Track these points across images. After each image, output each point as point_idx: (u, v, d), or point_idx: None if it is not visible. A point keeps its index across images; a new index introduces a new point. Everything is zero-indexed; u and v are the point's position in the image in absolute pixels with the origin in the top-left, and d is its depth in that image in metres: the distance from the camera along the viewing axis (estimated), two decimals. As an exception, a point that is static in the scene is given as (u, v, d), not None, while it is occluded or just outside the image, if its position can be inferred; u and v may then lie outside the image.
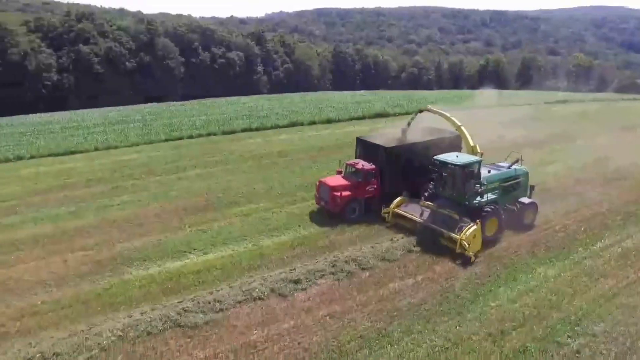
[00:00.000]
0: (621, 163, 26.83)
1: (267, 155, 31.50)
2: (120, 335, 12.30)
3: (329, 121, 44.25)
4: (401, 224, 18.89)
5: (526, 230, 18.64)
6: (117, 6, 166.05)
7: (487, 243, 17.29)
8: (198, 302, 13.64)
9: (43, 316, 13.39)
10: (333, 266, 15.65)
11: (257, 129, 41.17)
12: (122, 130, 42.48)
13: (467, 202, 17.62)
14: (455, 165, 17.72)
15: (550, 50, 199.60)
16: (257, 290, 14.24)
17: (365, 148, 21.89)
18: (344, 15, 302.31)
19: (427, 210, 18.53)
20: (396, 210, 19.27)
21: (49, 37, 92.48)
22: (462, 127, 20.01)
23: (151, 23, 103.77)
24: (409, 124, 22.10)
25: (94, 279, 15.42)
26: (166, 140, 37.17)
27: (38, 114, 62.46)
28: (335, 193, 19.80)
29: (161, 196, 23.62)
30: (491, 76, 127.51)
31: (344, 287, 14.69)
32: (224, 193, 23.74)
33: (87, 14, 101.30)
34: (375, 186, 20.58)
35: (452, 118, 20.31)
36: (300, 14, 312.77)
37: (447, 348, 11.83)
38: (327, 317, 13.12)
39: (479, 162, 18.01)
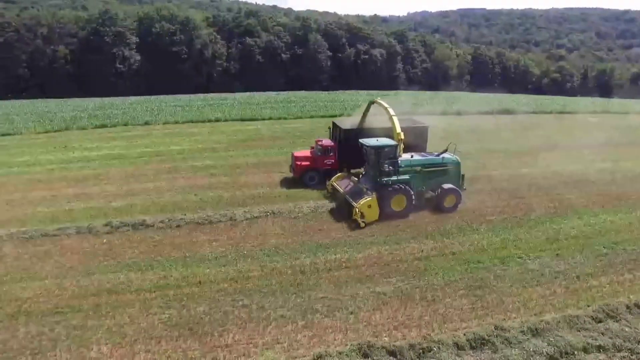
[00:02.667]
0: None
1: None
2: (312, 210, 20.99)
3: (459, 113, 50.09)
4: (335, 195, 22.59)
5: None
6: (270, 3, 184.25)
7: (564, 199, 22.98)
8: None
9: (265, 198, 22.82)
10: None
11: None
12: (285, 107, 53.08)
13: (378, 180, 20.54)
14: (369, 147, 20.81)
15: None
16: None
17: (335, 129, 26.05)
18: (489, 16, 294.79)
19: (351, 184, 21.99)
20: (333, 183, 23.02)
21: (223, 30, 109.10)
22: (394, 118, 21.64)
23: (306, 20, 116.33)
24: (365, 113, 25.29)
25: (290, 186, 24.52)
26: (322, 116, 46.55)
27: (212, 93, 77.05)
28: (297, 162, 24.70)
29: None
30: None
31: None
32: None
33: (253, 12, 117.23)
34: (333, 160, 24.79)
35: (388, 109, 22.13)
36: (443, 14, 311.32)
37: (514, 241, 18.44)
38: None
39: (394, 147, 20.54)
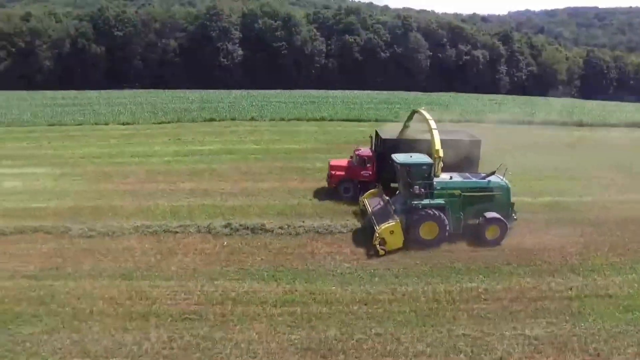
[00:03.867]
0: None
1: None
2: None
3: (581, 124, 45.69)
4: (365, 213, 20.21)
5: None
6: (366, 0, 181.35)
7: None
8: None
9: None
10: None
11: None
12: (389, 108, 51.58)
13: (408, 202, 17.99)
14: (399, 164, 18.35)
15: None
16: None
17: (376, 138, 24.06)
18: (603, 15, 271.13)
19: (381, 203, 19.61)
20: (364, 199, 20.79)
21: (323, 27, 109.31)
22: (434, 131, 19.09)
23: (406, 19, 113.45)
24: (406, 122, 23.36)
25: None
26: (430, 120, 44.50)
27: (311, 90, 77.37)
28: (332, 172, 23.02)
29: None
30: None
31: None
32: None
33: (354, 9, 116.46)
34: (370, 172, 22.72)
35: (430, 121, 19.78)
36: (549, 14, 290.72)
37: None
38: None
39: (430, 165, 17.86)
